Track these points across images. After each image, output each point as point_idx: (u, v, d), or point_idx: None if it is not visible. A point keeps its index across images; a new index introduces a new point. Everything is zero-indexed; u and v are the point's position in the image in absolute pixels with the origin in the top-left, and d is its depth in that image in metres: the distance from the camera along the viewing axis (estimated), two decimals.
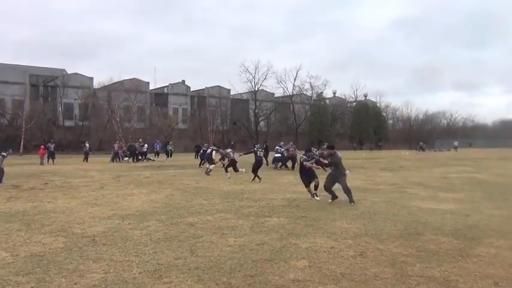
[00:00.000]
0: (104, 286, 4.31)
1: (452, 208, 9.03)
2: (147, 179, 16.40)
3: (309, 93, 78.03)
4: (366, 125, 77.63)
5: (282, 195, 11.41)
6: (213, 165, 19.29)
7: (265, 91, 75.08)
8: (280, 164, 22.06)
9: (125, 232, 6.79)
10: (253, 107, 74.34)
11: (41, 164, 27.95)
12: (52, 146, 30.19)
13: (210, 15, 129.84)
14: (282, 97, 78.32)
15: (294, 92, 76.66)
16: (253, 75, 72.39)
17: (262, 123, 75.61)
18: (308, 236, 6.41)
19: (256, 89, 72.82)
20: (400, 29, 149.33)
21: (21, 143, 50.50)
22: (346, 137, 79.01)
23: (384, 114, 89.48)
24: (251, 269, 4.81)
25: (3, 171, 15.34)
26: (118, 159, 31.88)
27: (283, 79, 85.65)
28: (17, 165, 27.18)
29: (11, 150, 19.39)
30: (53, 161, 29.02)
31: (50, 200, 10.65)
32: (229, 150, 18.39)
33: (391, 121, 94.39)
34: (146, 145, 34.14)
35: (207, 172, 18.59)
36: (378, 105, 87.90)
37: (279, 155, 22.43)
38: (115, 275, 4.63)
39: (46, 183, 14.84)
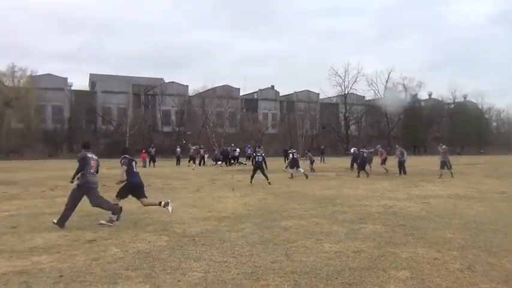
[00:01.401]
0: (204, 285, 4.45)
1: None
2: (240, 183, 16.84)
3: (402, 96, 74.76)
4: (466, 128, 72.24)
5: (377, 201, 11.02)
6: (300, 169, 19.86)
7: (356, 94, 73.36)
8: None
9: (221, 234, 7.01)
10: (343, 110, 73.01)
11: (144, 166, 30.07)
12: (153, 150, 32.36)
13: (299, 20, 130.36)
14: (373, 100, 75.91)
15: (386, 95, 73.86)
16: (342, 78, 71.28)
17: (352, 127, 73.93)
18: (408, 246, 6.10)
19: (346, 93, 71.48)
20: (501, 24, 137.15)
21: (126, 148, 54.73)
22: (444, 141, 73.98)
23: (487, 116, 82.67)
24: (349, 277, 4.68)
25: None
26: (204, 163, 32.80)
27: (374, 81, 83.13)
28: None
29: None
30: (154, 164, 31.05)
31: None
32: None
33: (494, 124, 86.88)
34: (238, 149, 35.10)
35: (301, 174, 19.26)
36: (480, 107, 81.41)
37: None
38: (214, 275, 4.78)
39: (149, 185, 15.81)
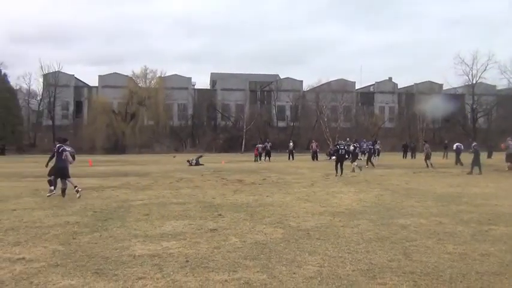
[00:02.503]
0: (319, 279, 4.48)
1: None
2: (355, 178, 16.49)
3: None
4: None
5: (509, 201, 9.96)
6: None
7: (485, 84, 66.59)
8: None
9: (336, 229, 6.97)
10: (471, 101, 66.89)
11: (256, 161, 31.08)
12: (268, 145, 33.23)
13: (421, 9, 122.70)
14: (507, 89, 68.16)
15: None
16: (470, 66, 64.99)
17: (481, 120, 67.42)
18: None
19: (474, 82, 65.34)
20: None
21: (243, 143, 57.21)
22: None
23: None
24: (475, 281, 4.35)
25: None
26: (316, 158, 32.83)
27: (508, 69, 74.59)
28: (240, 162, 30.88)
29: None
30: (269, 158, 31.88)
31: (268, 194, 11.71)
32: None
33: None
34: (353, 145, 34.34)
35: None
36: None
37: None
38: (329, 270, 4.79)
39: (264, 179, 16.37)
